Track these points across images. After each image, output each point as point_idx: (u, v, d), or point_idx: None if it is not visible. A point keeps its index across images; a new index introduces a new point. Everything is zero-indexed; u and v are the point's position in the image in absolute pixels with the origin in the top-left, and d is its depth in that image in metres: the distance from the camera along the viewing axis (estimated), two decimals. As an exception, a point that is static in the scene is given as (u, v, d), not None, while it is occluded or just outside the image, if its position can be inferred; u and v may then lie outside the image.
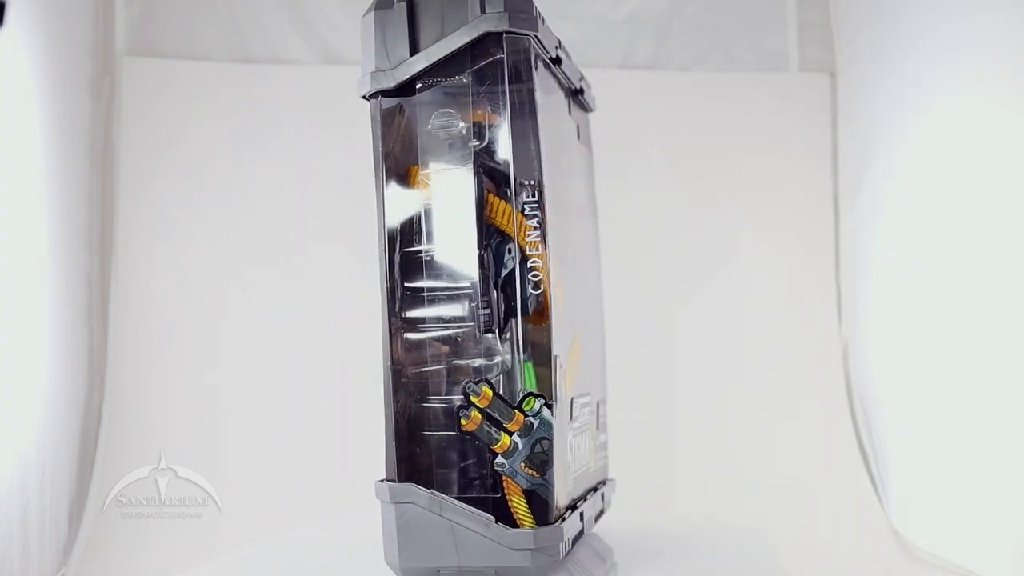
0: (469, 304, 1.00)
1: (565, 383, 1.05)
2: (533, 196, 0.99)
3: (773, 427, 1.97)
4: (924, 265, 1.74)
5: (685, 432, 1.97)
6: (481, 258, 0.99)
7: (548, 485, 0.98)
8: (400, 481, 0.99)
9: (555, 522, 0.99)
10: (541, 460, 0.98)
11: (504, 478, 0.98)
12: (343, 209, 1.97)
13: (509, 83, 0.99)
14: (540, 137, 1.00)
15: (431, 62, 1.00)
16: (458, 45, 0.99)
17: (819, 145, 2.09)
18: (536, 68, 1.02)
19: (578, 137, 1.28)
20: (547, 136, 1.02)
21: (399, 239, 1.01)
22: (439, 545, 0.98)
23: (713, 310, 2.04)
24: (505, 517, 0.98)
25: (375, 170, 1.01)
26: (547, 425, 0.98)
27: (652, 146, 2.07)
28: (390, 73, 1.00)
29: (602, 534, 1.26)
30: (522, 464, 0.98)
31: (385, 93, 1.01)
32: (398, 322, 1.00)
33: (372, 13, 1.01)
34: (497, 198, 1.00)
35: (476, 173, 1.00)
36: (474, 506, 0.98)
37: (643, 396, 1.96)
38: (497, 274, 1.00)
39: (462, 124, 1.01)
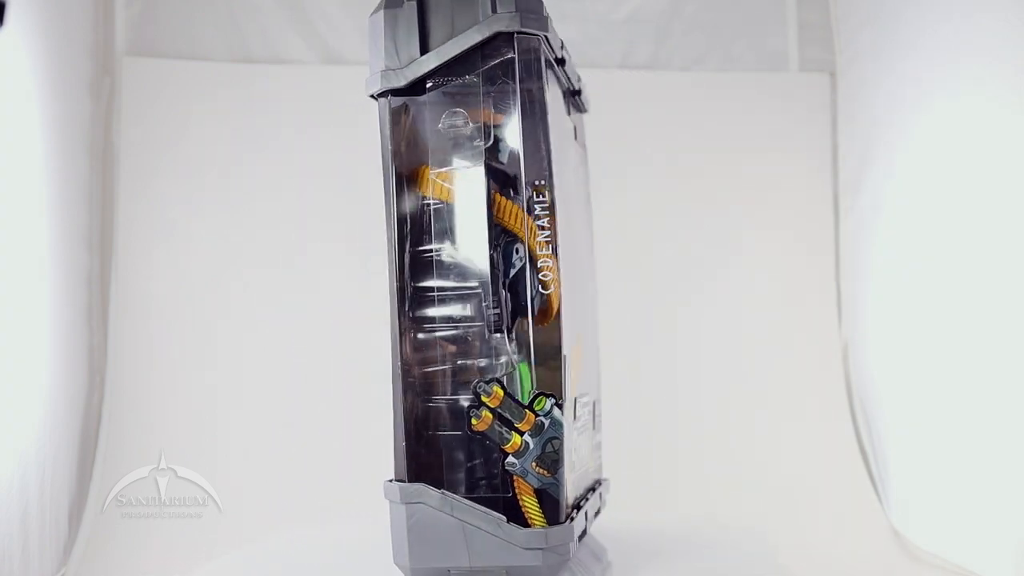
0: (479, 304, 1.00)
1: (571, 383, 1.05)
2: (543, 196, 0.99)
3: (773, 427, 1.97)
4: (924, 265, 1.74)
5: (685, 432, 1.97)
6: (492, 258, 0.99)
7: (559, 484, 0.98)
8: (410, 481, 0.99)
9: (565, 521, 0.99)
10: (552, 459, 0.98)
11: (515, 477, 0.98)
12: (343, 209, 1.97)
13: (521, 83, 0.99)
14: (550, 137, 1.00)
15: (442, 61, 0.99)
16: (470, 44, 0.99)
17: (819, 145, 2.09)
18: (545, 68, 1.02)
19: (575, 138, 1.28)
20: (554, 136, 1.03)
21: (408, 239, 1.00)
22: (450, 545, 0.98)
23: (713, 310, 2.04)
24: (516, 516, 0.98)
25: (384, 170, 1.01)
26: (558, 424, 0.98)
27: (652, 146, 2.07)
28: (400, 72, 1.00)
29: (601, 533, 1.26)
30: (533, 463, 0.98)
31: (395, 92, 1.01)
32: (407, 322, 1.00)
33: (381, 11, 1.01)
34: (504, 198, 1.00)
35: (486, 173, 1.00)
36: (485, 506, 0.98)
37: (643, 396, 1.97)
38: (506, 274, 1.00)
39: (472, 124, 1.01)
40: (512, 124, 1.00)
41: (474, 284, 1.00)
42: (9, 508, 1.46)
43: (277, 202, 1.98)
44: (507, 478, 0.98)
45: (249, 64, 2.01)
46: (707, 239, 2.06)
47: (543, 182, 0.99)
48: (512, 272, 1.00)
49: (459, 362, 1.00)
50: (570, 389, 1.03)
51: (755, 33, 2.12)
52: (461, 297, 1.00)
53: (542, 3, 1.02)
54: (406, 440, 0.99)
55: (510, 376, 0.99)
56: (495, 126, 1.00)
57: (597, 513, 1.25)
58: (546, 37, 1.02)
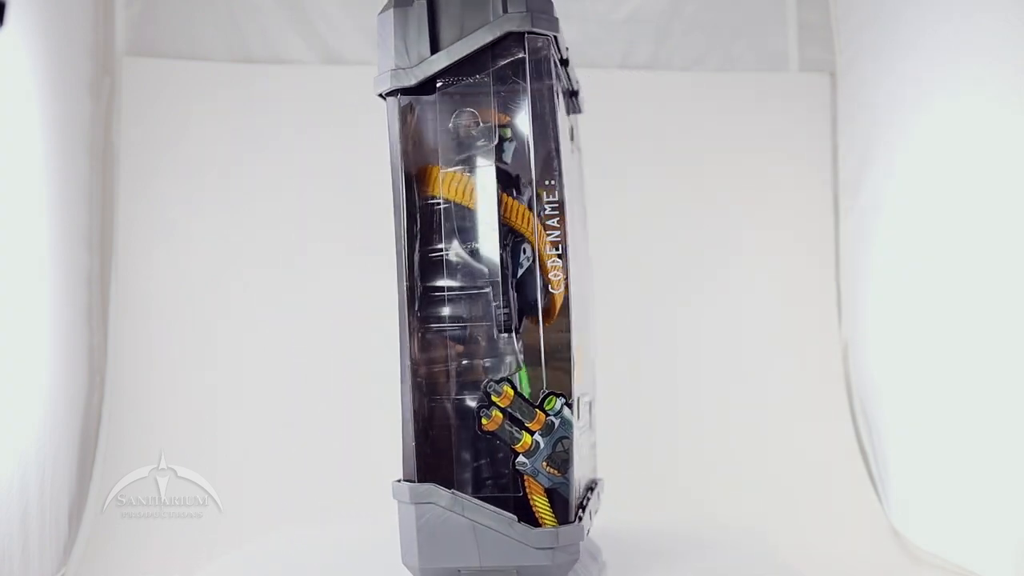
0: (489, 303, 1.00)
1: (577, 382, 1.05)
2: (553, 196, 0.99)
3: (773, 427, 1.98)
4: (924, 265, 1.74)
5: (685, 432, 1.97)
6: (502, 258, 0.99)
7: (568, 483, 0.98)
8: (419, 481, 0.98)
9: (574, 520, 0.99)
10: (562, 459, 0.98)
11: (525, 477, 0.98)
12: (343, 209, 1.97)
13: (531, 83, 0.99)
14: (560, 137, 1.00)
15: (453, 60, 0.99)
16: (481, 44, 0.98)
17: (819, 145, 2.09)
18: (554, 68, 1.02)
19: (572, 138, 1.28)
20: (563, 137, 1.03)
21: (418, 239, 1.00)
22: (460, 545, 0.98)
23: (713, 310, 2.04)
24: (526, 516, 0.98)
25: (392, 169, 1.01)
26: (568, 424, 0.98)
27: (652, 146, 2.07)
28: (410, 71, 0.99)
29: (600, 533, 1.26)
30: (543, 463, 0.98)
31: (404, 91, 1.00)
32: (416, 322, 0.99)
33: (391, 10, 1.01)
34: (511, 198, 1.00)
35: (496, 172, 1.00)
36: (495, 505, 0.97)
37: (643, 396, 1.97)
38: (514, 274, 1.00)
39: (482, 123, 1.00)
40: (519, 124, 1.00)
41: (482, 284, 1.00)
42: (9, 508, 1.46)
43: (277, 202, 1.98)
44: (517, 478, 0.98)
45: (249, 64, 2.02)
46: (707, 239, 2.06)
47: (553, 182, 0.99)
48: (520, 272, 1.00)
49: (467, 362, 1.00)
50: (576, 388, 1.03)
51: (755, 33, 2.12)
52: (470, 297, 1.00)
53: (552, 3, 1.02)
54: (415, 440, 0.99)
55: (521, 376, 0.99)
56: (500, 126, 1.00)
57: (594, 513, 1.25)
58: (555, 37, 1.02)
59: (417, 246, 1.00)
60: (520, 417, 0.98)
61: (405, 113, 1.01)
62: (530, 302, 0.99)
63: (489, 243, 0.99)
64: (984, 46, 1.55)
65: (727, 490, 1.90)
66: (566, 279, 0.99)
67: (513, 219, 1.00)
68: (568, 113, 1.25)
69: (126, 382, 1.87)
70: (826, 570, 1.59)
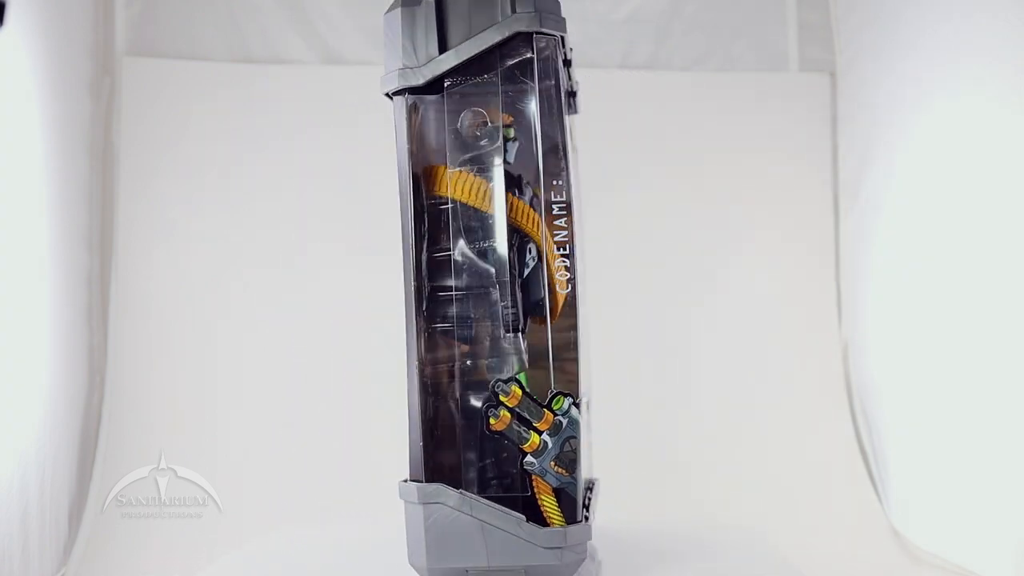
0: (496, 304, 1.00)
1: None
2: (561, 196, 0.99)
3: (773, 427, 1.98)
4: (924, 265, 1.74)
5: (685, 432, 1.97)
6: (510, 258, 0.99)
7: (576, 483, 0.98)
8: (427, 481, 0.98)
9: (582, 520, 0.99)
10: (570, 458, 0.98)
11: (534, 477, 0.98)
12: (343, 209, 1.97)
13: (539, 83, 0.99)
14: (567, 138, 1.00)
15: (461, 60, 0.99)
16: (489, 44, 0.98)
17: (819, 145, 2.09)
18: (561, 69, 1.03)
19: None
20: (569, 137, 1.03)
21: (425, 239, 1.00)
22: (468, 545, 0.98)
23: (713, 310, 2.04)
24: (534, 516, 0.98)
25: (399, 169, 1.00)
26: (575, 423, 0.98)
27: (652, 146, 2.07)
28: (418, 70, 0.99)
29: (599, 533, 1.25)
30: (551, 463, 0.98)
31: (412, 90, 1.00)
32: (424, 322, 0.99)
33: (398, 9, 1.00)
34: (516, 198, 1.00)
35: (504, 172, 1.00)
36: (503, 505, 0.98)
37: (643, 396, 1.97)
38: (520, 274, 1.00)
39: (491, 123, 1.00)
40: (524, 124, 1.00)
41: (489, 284, 1.00)
42: (9, 508, 1.46)
43: (277, 202, 1.98)
44: (525, 477, 0.98)
45: (249, 64, 2.02)
46: (707, 239, 2.06)
47: (560, 182, 0.99)
48: (526, 272, 1.00)
49: (473, 362, 1.00)
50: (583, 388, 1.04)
51: (755, 33, 2.12)
52: (479, 297, 1.00)
53: (559, 4, 1.02)
54: (423, 440, 0.99)
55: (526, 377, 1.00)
56: (504, 126, 1.00)
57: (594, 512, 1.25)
58: (562, 38, 1.02)
59: (425, 246, 1.00)
60: (528, 417, 0.98)
61: (411, 113, 1.01)
62: (535, 302, 0.99)
63: (498, 243, 0.99)
64: (984, 46, 1.55)
65: (727, 490, 1.90)
66: (573, 279, 0.99)
67: (519, 219, 1.00)
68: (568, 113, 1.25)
69: (126, 382, 1.87)
70: (826, 570, 1.59)
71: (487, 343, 1.00)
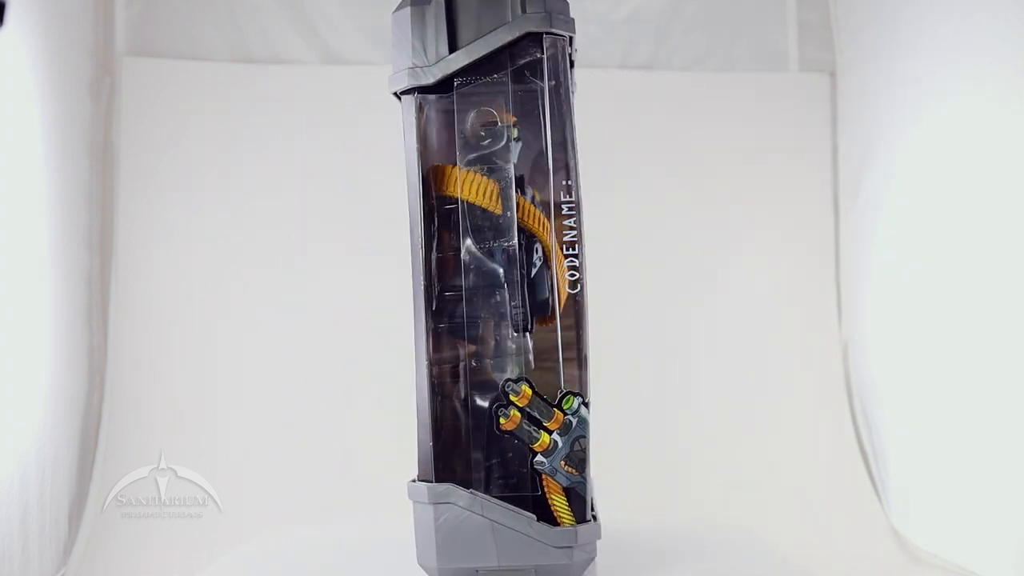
0: (505, 303, 1.00)
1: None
2: (571, 196, 0.99)
3: (773, 427, 1.98)
4: (924, 265, 1.74)
5: (685, 432, 1.97)
6: (520, 257, 0.99)
7: (585, 482, 0.98)
8: (437, 481, 0.98)
9: (591, 519, 0.99)
10: (579, 458, 0.98)
11: (544, 476, 0.98)
12: (343, 209, 1.97)
13: (548, 83, 0.99)
14: (575, 137, 1.00)
15: (472, 59, 0.99)
16: (500, 43, 0.98)
17: (819, 145, 2.09)
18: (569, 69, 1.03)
19: None
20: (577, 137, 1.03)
21: (435, 239, 1.00)
22: (479, 545, 0.97)
23: (713, 310, 2.04)
24: (544, 515, 0.98)
25: (408, 169, 1.00)
26: (584, 423, 0.99)
27: (652, 146, 2.07)
28: (428, 69, 0.99)
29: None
30: (562, 462, 0.98)
31: (422, 90, 1.00)
32: (433, 322, 0.99)
33: (407, 8, 1.00)
34: (523, 197, 1.00)
35: (513, 172, 1.00)
36: (514, 505, 0.98)
37: (643, 396, 1.97)
38: (528, 274, 1.00)
39: (500, 123, 1.00)
40: (533, 124, 1.00)
41: (497, 283, 1.00)
42: (9, 508, 1.46)
43: (277, 202, 1.98)
44: (535, 477, 0.99)
45: (249, 64, 2.02)
46: (707, 239, 2.07)
47: (570, 182, 0.99)
48: (533, 272, 1.00)
49: (481, 361, 1.00)
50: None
51: (755, 33, 2.12)
52: (488, 296, 1.00)
53: (568, 5, 1.02)
54: (433, 440, 0.99)
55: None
56: (517, 125, 1.00)
57: None
58: (570, 38, 1.02)
59: (434, 245, 1.00)
60: (539, 416, 0.98)
61: (419, 112, 1.01)
62: (541, 302, 0.99)
63: (507, 243, 0.99)
64: (984, 46, 1.55)
65: (727, 490, 1.90)
66: (581, 279, 0.99)
67: (525, 219, 1.00)
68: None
69: (126, 382, 1.87)
70: (826, 570, 1.59)
71: (494, 342, 1.00)
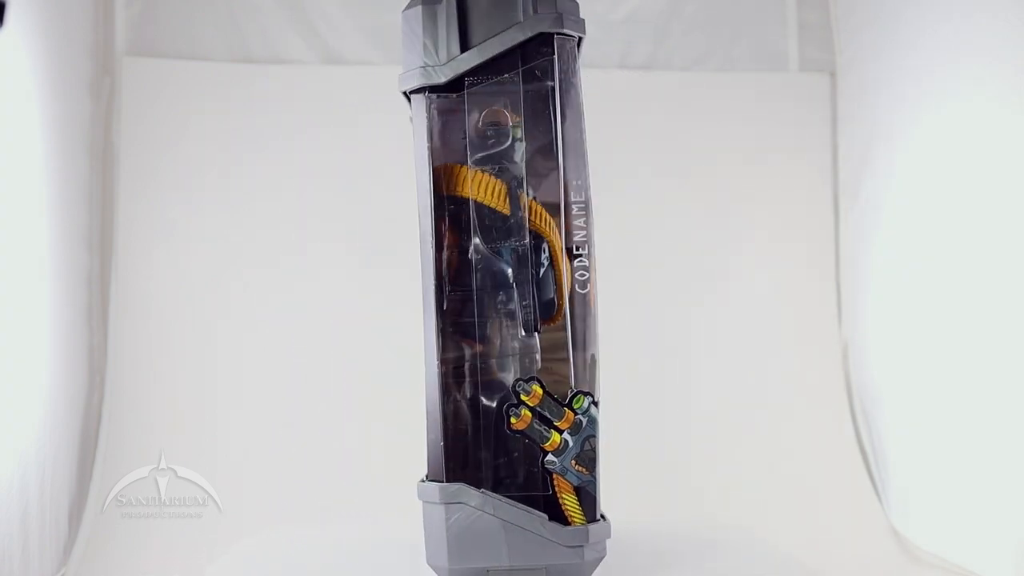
0: (515, 303, 1.00)
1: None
2: (580, 197, 0.99)
3: (773, 427, 1.98)
4: (924, 265, 1.74)
5: (685, 432, 1.97)
6: (531, 258, 0.99)
7: (595, 481, 0.98)
8: (448, 481, 0.98)
9: (600, 518, 1.00)
10: (590, 457, 0.99)
11: (555, 475, 0.98)
12: (343, 209, 1.97)
13: (560, 83, 0.99)
14: (585, 137, 1.01)
15: (484, 59, 0.99)
16: (511, 43, 0.99)
17: (819, 145, 2.09)
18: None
19: None
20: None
21: (445, 238, 1.00)
22: (490, 545, 0.98)
23: (713, 310, 2.04)
24: (555, 515, 0.98)
25: (418, 169, 1.00)
26: (594, 422, 0.99)
27: (652, 146, 2.07)
28: (439, 69, 0.99)
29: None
30: (572, 461, 0.98)
31: (432, 89, 1.00)
32: (443, 322, 0.99)
33: (418, 7, 1.00)
34: (530, 198, 1.00)
35: (524, 171, 1.00)
36: (525, 504, 0.98)
37: (643, 396, 1.97)
38: (537, 274, 1.00)
39: (511, 123, 1.00)
40: (543, 125, 1.00)
41: (506, 283, 1.00)
42: (9, 508, 1.46)
43: (277, 202, 1.98)
44: (546, 476, 0.99)
45: (249, 64, 2.02)
46: (706, 239, 2.07)
47: (580, 182, 1.00)
48: (541, 272, 1.00)
49: (490, 361, 1.00)
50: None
51: (755, 33, 2.12)
52: (496, 296, 1.00)
53: (578, 5, 1.03)
54: (443, 440, 0.99)
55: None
56: (513, 125, 1.00)
57: None
58: (580, 39, 1.03)
59: (445, 245, 1.00)
60: (549, 416, 0.98)
61: (428, 111, 1.01)
62: (547, 302, 0.99)
63: (518, 243, 0.99)
64: (984, 46, 1.55)
65: (727, 490, 1.90)
66: (590, 279, 0.99)
67: (533, 219, 1.00)
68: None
69: (126, 382, 1.87)
70: (826, 570, 1.59)
71: (502, 342, 1.00)
